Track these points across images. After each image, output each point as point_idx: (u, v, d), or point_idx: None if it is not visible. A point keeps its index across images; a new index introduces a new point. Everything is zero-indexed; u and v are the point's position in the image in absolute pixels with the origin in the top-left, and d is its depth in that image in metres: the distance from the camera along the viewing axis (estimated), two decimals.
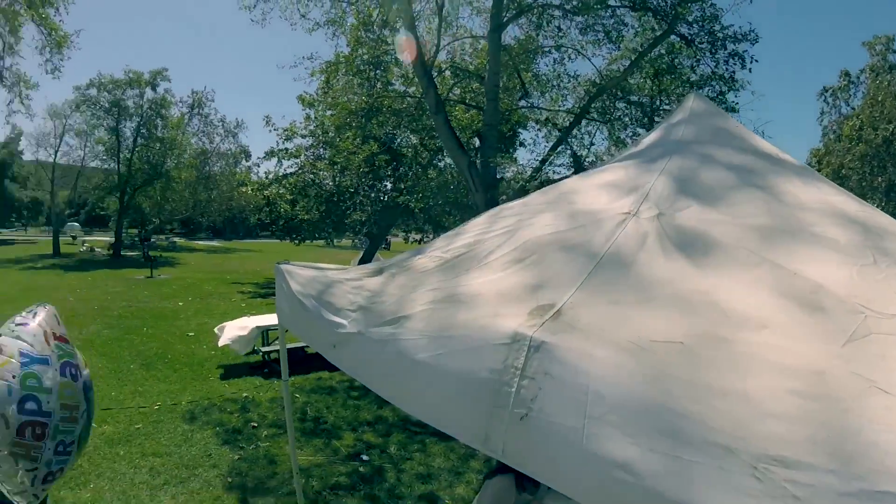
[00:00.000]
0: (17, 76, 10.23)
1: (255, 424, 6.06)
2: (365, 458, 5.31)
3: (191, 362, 8.69)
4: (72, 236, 41.92)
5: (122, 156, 30.30)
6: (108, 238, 38.86)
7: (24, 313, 2.66)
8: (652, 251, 1.65)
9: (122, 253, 30.74)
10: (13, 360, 2.37)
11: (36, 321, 2.59)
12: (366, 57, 10.49)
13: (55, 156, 32.65)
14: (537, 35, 10.47)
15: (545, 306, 1.41)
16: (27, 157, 40.89)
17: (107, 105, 29.78)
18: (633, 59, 9.98)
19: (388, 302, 1.69)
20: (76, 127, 31.91)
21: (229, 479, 4.80)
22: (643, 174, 2.15)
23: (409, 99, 11.67)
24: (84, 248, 33.97)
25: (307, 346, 8.28)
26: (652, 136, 2.63)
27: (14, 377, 2.31)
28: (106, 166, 32.81)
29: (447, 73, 11.79)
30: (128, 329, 11.06)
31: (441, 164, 14.62)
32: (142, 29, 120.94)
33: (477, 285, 1.57)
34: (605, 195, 2.08)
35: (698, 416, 1.13)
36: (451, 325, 1.45)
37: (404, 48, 8.12)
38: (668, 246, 1.66)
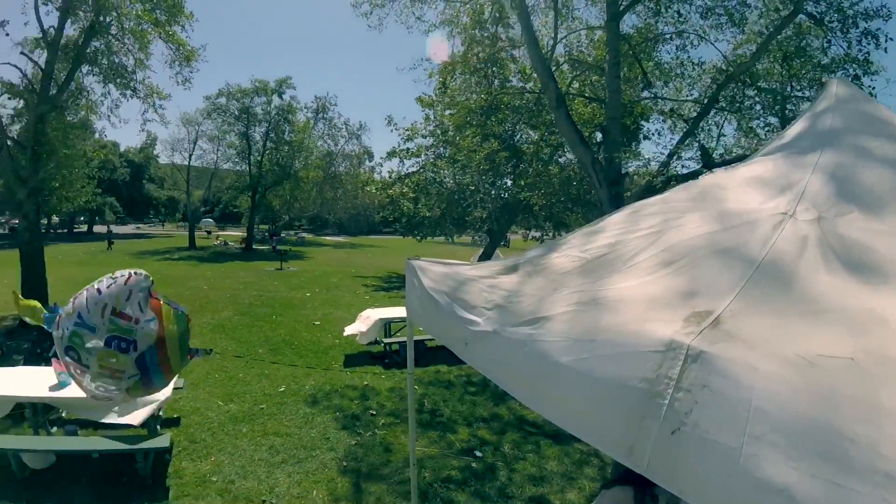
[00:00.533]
0: (150, 88, 11.63)
1: (374, 412, 6.34)
2: (478, 454, 5.35)
3: (315, 349, 9.32)
4: (206, 231, 46.85)
5: (252, 158, 33.43)
6: (240, 233, 42.78)
7: (110, 276, 3.17)
8: (813, 259, 1.53)
9: (253, 247, 33.81)
10: (73, 316, 3.02)
11: (104, 294, 3.07)
12: (481, 55, 10.57)
13: (189, 159, 36.72)
14: (656, 22, 9.91)
15: (702, 313, 1.31)
16: (163, 160, 46.22)
17: (236, 112, 32.92)
18: (759, 42, 9.11)
19: (526, 302, 1.67)
20: (208, 133, 35.67)
21: (344, 463, 5.05)
22: (794, 169, 2.02)
23: (527, 95, 11.58)
24: (218, 242, 37.63)
25: (428, 340, 8.55)
26: (797, 127, 2.47)
27: (67, 329, 3.03)
28: (238, 168, 36.44)
29: (565, 66, 11.54)
30: (257, 316, 12.04)
31: (562, 160, 14.36)
32: (266, 38, 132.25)
33: (623, 289, 1.50)
34: (755, 193, 1.95)
35: (866, 440, 1.03)
36: (597, 329, 1.40)
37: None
38: (830, 256, 1.54)
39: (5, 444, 4.66)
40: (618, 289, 1.50)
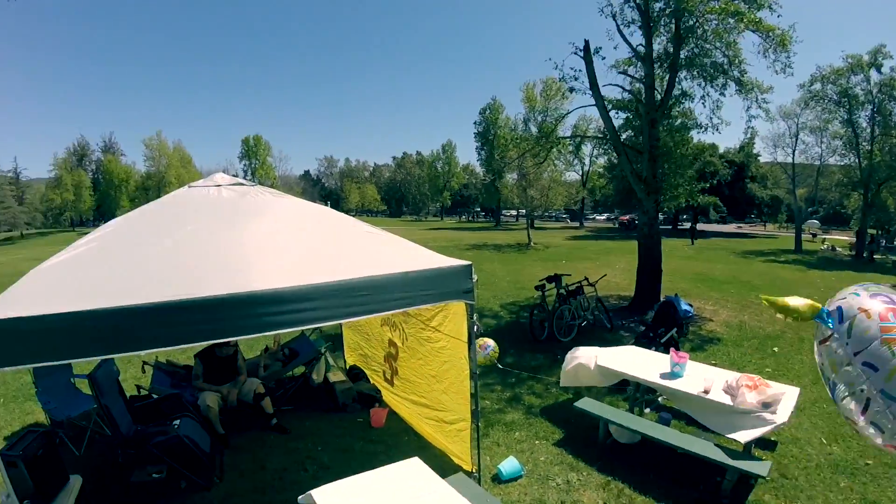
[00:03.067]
0: (750, 83, 10.53)
1: None
2: None
3: None
4: (811, 233, 41.88)
5: (860, 149, 27.11)
6: (847, 237, 36.52)
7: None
8: None
9: (864, 254, 27.64)
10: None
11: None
12: None
13: (793, 155, 33.06)
14: None
15: None
16: (764, 158, 43.51)
17: (835, 97, 27.33)
18: None
19: None
20: (809, 124, 31.15)
21: None
22: None
23: None
24: (825, 246, 33.08)
25: None
26: None
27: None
28: (845, 161, 30.27)
29: None
30: None
31: None
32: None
33: None
34: None
35: None
36: None
37: None
38: None
39: (601, 412, 5.29)
40: None
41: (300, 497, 3.20)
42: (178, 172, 60.49)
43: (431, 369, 5.15)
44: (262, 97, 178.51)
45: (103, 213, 60.94)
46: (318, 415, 6.12)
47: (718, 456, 4.38)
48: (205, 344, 5.03)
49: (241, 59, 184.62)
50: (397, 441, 5.46)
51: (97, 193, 62.26)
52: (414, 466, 3.50)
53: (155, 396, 5.74)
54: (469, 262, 4.04)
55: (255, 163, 71.00)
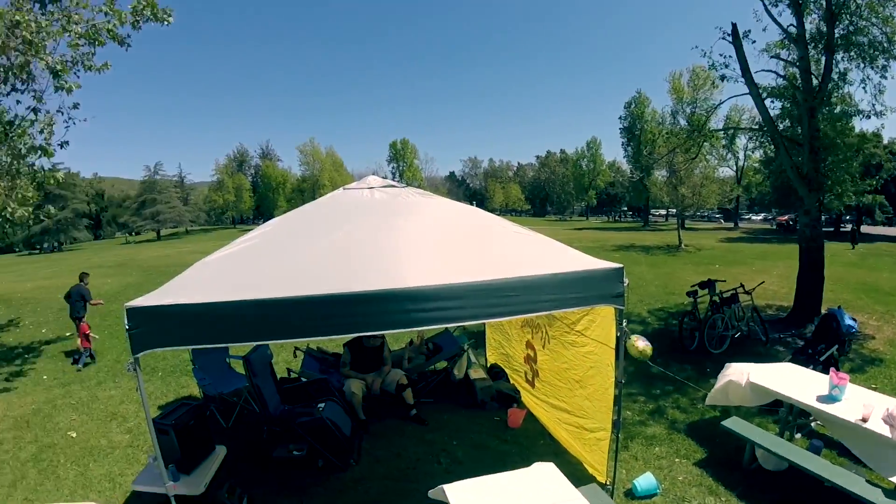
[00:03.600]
0: None
1: None
2: None
3: None
4: None
5: None
6: None
7: None
8: None
9: None
10: None
11: None
12: None
13: None
14: None
15: None
16: None
17: None
18: None
19: None
20: None
21: None
22: None
23: None
24: None
25: None
26: None
27: None
28: None
29: None
30: None
31: None
32: None
33: None
34: None
35: None
36: None
37: None
38: None
39: (749, 434, 4.83)
40: None
41: (431, 491, 3.30)
42: (331, 175, 65.29)
43: (575, 374, 5.04)
44: (409, 100, 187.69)
45: (262, 212, 68.17)
46: (457, 410, 6.29)
47: (869, 494, 3.82)
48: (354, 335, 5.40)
49: (385, 66, 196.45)
50: (532, 444, 5.44)
51: (256, 195, 69.47)
52: (547, 471, 3.45)
53: (304, 380, 6.31)
54: (620, 265, 3.89)
55: (402, 165, 74.06)
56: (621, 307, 3.92)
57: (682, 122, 42.10)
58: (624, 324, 4.08)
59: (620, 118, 57.11)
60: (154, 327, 3.00)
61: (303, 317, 3.06)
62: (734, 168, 52.34)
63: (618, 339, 4.14)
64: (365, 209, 4.26)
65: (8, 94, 8.43)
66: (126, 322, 2.97)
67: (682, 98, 42.39)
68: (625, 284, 3.88)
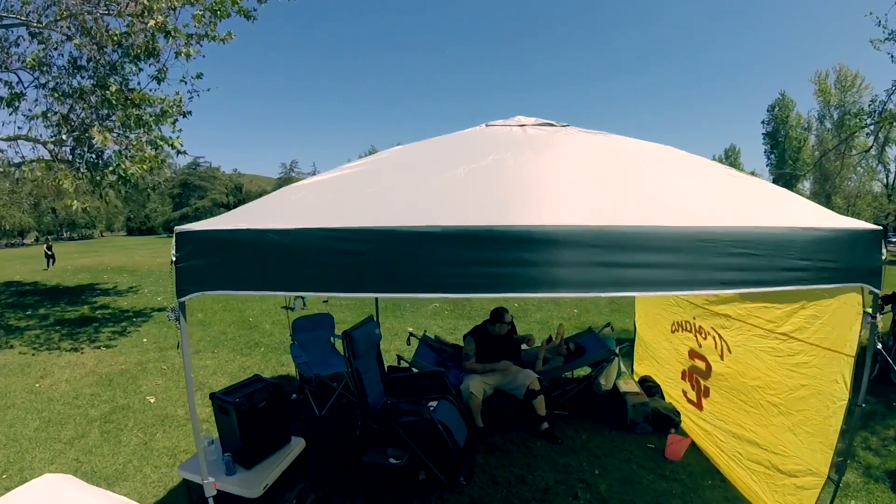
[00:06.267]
0: None
1: None
2: None
3: None
4: None
5: None
6: None
7: None
8: None
9: None
10: None
11: None
12: None
13: None
14: None
15: None
16: None
17: None
18: None
19: None
20: None
21: None
22: None
23: None
24: None
25: None
26: None
27: None
28: None
29: None
30: None
31: None
32: None
33: None
34: None
35: None
36: None
37: None
38: None
39: None
40: None
41: None
42: None
43: (773, 393, 3.51)
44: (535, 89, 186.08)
45: None
46: (599, 429, 4.93)
47: None
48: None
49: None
50: (697, 484, 3.97)
51: None
52: None
53: (415, 371, 5.21)
54: (880, 227, 2.40)
55: None
56: (877, 290, 2.39)
57: (828, 126, 39.43)
58: (878, 317, 2.53)
59: (763, 122, 52.00)
60: (211, 260, 2.04)
61: (425, 260, 1.93)
62: (884, 182, 45.50)
63: (869, 341, 2.61)
64: (517, 143, 3.04)
65: (132, 60, 8.45)
66: (173, 251, 2.03)
67: (828, 101, 38.82)
68: (883, 256, 2.37)
